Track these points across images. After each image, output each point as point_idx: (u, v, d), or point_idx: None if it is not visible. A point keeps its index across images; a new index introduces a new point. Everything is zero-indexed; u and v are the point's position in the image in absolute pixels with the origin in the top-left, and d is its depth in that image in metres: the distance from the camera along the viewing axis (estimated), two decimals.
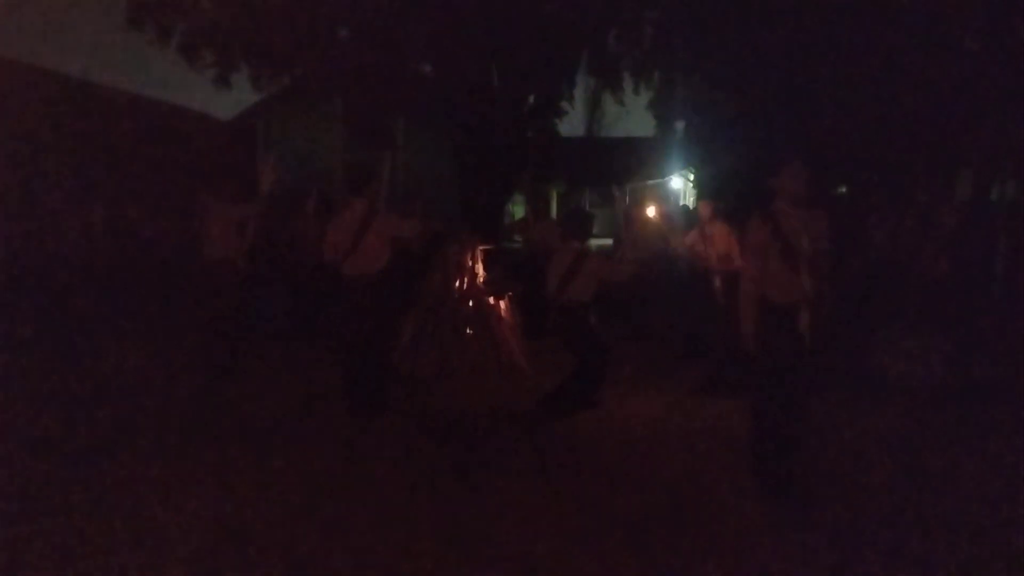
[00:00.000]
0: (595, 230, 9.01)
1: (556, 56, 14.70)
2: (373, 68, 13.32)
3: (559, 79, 15.96)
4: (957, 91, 10.12)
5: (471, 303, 9.40)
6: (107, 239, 13.82)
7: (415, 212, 8.62)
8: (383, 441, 6.65)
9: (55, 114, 12.81)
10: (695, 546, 4.69)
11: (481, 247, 9.80)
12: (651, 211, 9.47)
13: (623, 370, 8.89)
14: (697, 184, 20.55)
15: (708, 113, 15.23)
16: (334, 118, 19.22)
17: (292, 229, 10.68)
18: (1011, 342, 8.76)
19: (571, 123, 22.13)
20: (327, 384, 8.01)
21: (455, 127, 15.53)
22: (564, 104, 17.13)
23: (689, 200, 23.49)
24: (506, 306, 9.61)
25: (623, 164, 24.45)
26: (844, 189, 14.09)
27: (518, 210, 27.73)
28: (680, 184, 26.63)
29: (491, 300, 9.50)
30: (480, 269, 9.65)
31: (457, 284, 9.41)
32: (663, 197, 20.80)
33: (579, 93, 18.10)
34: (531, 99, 16.08)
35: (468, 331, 9.25)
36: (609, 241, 15.73)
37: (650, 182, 24.60)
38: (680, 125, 17.82)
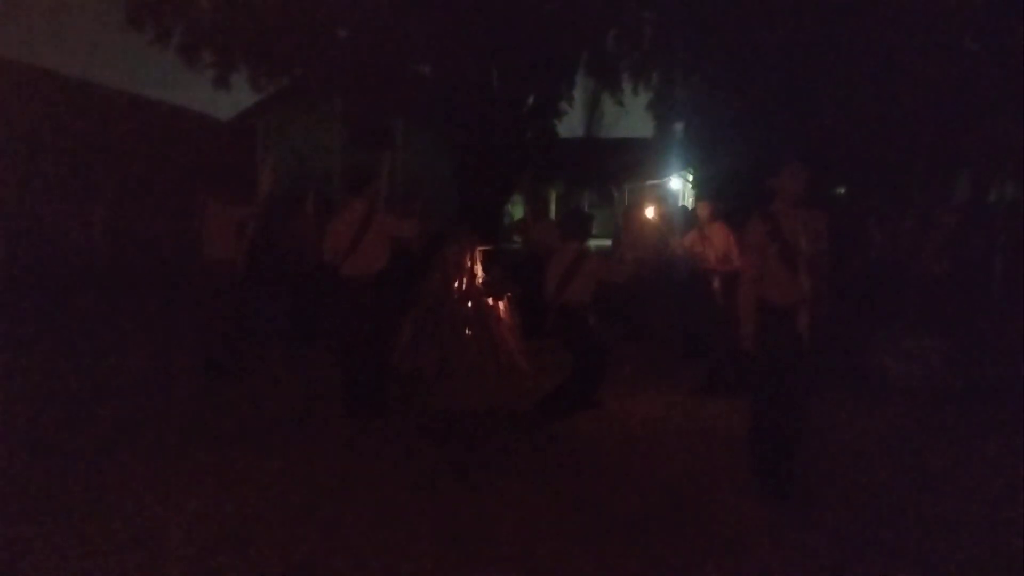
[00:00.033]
0: (594, 230, 9.01)
1: (555, 57, 14.70)
2: (372, 69, 13.32)
3: (558, 80, 15.96)
4: (956, 92, 10.14)
5: (470, 304, 9.40)
6: (107, 239, 13.83)
7: (414, 212, 8.62)
8: (383, 441, 6.64)
9: (55, 114, 12.83)
10: (695, 546, 4.69)
11: (480, 248, 9.80)
12: (650, 212, 9.47)
13: (622, 370, 8.90)
14: (696, 184, 20.58)
15: (707, 114, 15.27)
16: (333, 118, 19.23)
17: (291, 229, 10.68)
18: (1010, 342, 8.77)
19: (570, 124, 22.09)
20: (327, 384, 8.00)
21: (454, 128, 15.52)
22: (563, 105, 17.13)
23: (688, 200, 23.52)
24: (505, 306, 9.61)
25: (622, 165, 24.44)
26: (843, 189, 14.12)
27: (517, 211, 27.71)
28: (679, 185, 26.63)
29: (490, 300, 9.50)
30: (479, 270, 9.65)
31: (456, 285, 9.42)
32: (662, 198, 20.76)
33: (578, 94, 18.09)
34: (530, 100, 16.07)
35: (467, 331, 9.25)
36: (608, 242, 15.74)
37: (649, 183, 24.59)
38: (679, 126, 17.86)
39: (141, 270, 13.30)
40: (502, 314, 9.53)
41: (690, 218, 10.41)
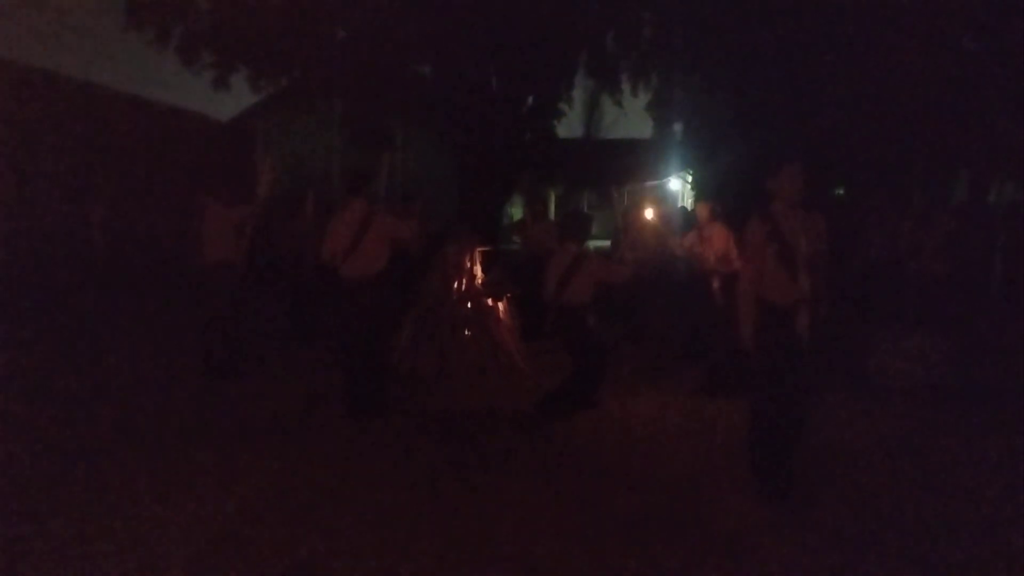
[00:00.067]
0: (593, 231, 9.01)
1: (554, 58, 14.69)
2: (372, 69, 13.33)
3: (557, 81, 15.94)
4: (956, 92, 10.15)
5: (470, 304, 9.40)
6: (106, 240, 13.83)
7: (414, 213, 8.63)
8: (383, 441, 6.64)
9: (55, 115, 12.83)
10: (695, 546, 4.69)
11: (480, 248, 9.80)
12: (649, 212, 9.49)
13: (622, 370, 8.90)
14: (695, 185, 20.58)
15: (706, 115, 15.27)
16: (333, 119, 19.23)
17: (291, 230, 10.68)
18: (1010, 342, 8.79)
19: (569, 125, 22.12)
20: (326, 385, 8.01)
21: (454, 128, 15.52)
22: (562, 106, 17.10)
23: (687, 201, 23.53)
24: (505, 307, 9.61)
25: (621, 166, 24.44)
26: (842, 190, 14.14)
27: (516, 211, 27.73)
28: (678, 185, 26.66)
29: (490, 301, 9.50)
30: (479, 270, 9.65)
31: (456, 285, 9.42)
32: (661, 198, 20.81)
33: (577, 95, 18.06)
34: (530, 101, 16.06)
35: (467, 332, 9.25)
36: (607, 242, 15.73)
37: (648, 183, 24.61)
38: (678, 127, 17.86)
39: (141, 271, 13.30)
40: (502, 315, 9.54)
41: (689, 219, 10.44)
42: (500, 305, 9.57)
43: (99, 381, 8.35)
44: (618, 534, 4.85)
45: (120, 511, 4.99)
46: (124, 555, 4.40)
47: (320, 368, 8.96)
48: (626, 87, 16.11)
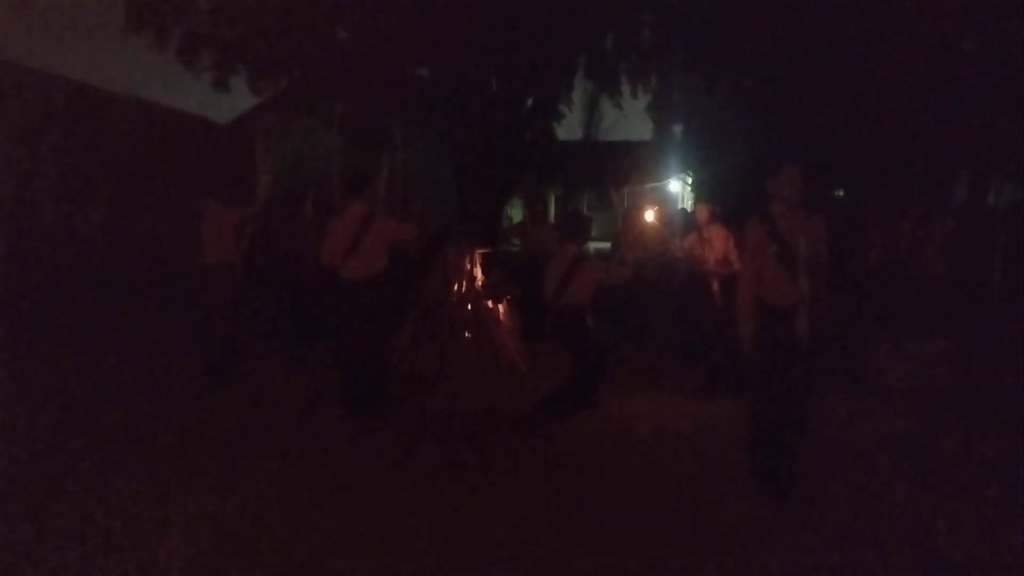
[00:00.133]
0: (593, 233, 9.01)
1: (554, 59, 14.67)
2: (371, 70, 13.32)
3: (557, 82, 15.91)
4: (955, 93, 10.15)
5: (469, 306, 9.40)
6: (106, 242, 13.83)
7: (413, 215, 8.64)
8: (383, 442, 6.64)
9: (54, 117, 12.82)
10: (695, 546, 4.69)
11: (479, 250, 9.80)
12: (649, 214, 9.48)
13: (622, 372, 8.90)
14: (695, 187, 20.58)
15: (706, 116, 15.26)
16: (332, 121, 19.22)
17: (290, 232, 10.68)
18: (1010, 342, 8.79)
19: (569, 126, 22.06)
20: (326, 386, 8.00)
21: (453, 130, 15.50)
22: (562, 107, 17.08)
23: (687, 203, 23.51)
24: (504, 309, 9.62)
25: (621, 167, 24.41)
26: (842, 191, 14.14)
27: (516, 213, 27.73)
28: (678, 187, 26.64)
29: (489, 303, 9.51)
30: (478, 272, 9.65)
31: (455, 287, 9.42)
32: (661, 200, 20.80)
33: (577, 96, 18.01)
34: (529, 102, 16.03)
35: (466, 334, 9.26)
36: (607, 244, 15.73)
37: (648, 185, 24.60)
38: (678, 128, 17.84)
39: (140, 272, 13.30)
40: (501, 316, 9.54)
41: (689, 221, 10.43)
42: (500, 306, 9.58)
43: (99, 381, 8.34)
44: (618, 534, 4.85)
45: (120, 512, 4.98)
46: (124, 556, 4.40)
47: (320, 368, 8.96)
48: (626, 88, 16.10)
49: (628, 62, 15.26)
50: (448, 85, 14.47)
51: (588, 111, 23.89)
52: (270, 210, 9.30)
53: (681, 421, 7.43)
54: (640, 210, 10.07)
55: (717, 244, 8.62)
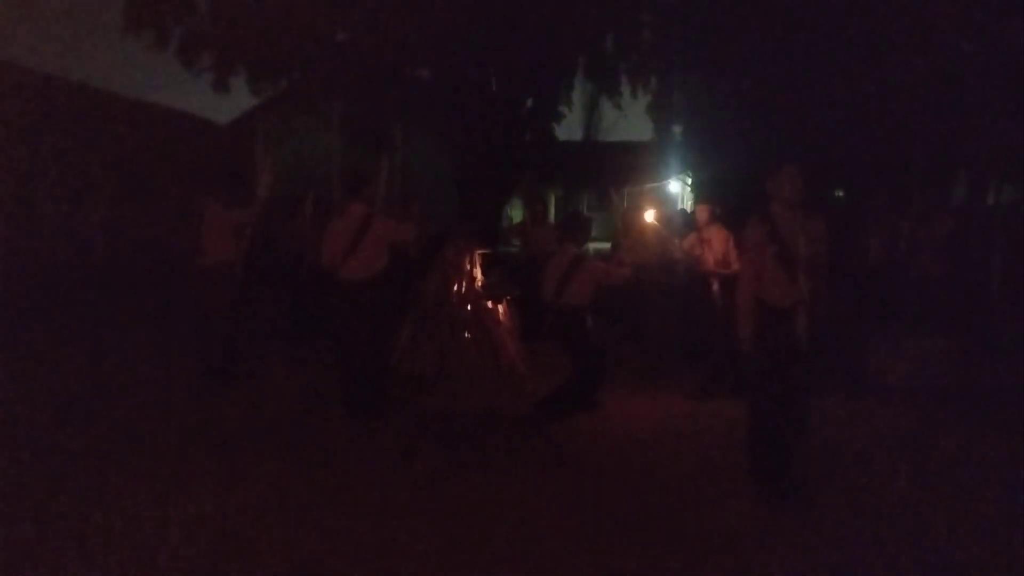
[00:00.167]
0: (593, 234, 9.02)
1: (554, 60, 14.69)
2: (371, 71, 13.32)
3: (557, 83, 15.93)
4: (954, 94, 10.15)
5: (469, 306, 9.40)
6: (106, 242, 13.84)
7: (413, 215, 8.63)
8: (382, 442, 6.64)
9: (54, 118, 12.83)
10: (695, 546, 4.69)
11: (479, 250, 9.79)
12: (649, 215, 9.48)
13: (622, 372, 8.90)
14: (695, 188, 20.57)
15: (705, 117, 15.26)
16: (332, 121, 19.23)
17: (290, 232, 10.68)
18: (1010, 342, 8.79)
19: (569, 127, 22.07)
20: (326, 386, 8.00)
21: (453, 130, 15.51)
22: (562, 108, 17.10)
23: (687, 203, 23.52)
24: (504, 309, 9.62)
25: (621, 168, 24.44)
26: (842, 192, 14.14)
27: (516, 214, 27.73)
28: (678, 188, 26.65)
29: (489, 303, 9.50)
30: (478, 272, 9.65)
31: (455, 287, 9.42)
32: (661, 201, 20.81)
33: (577, 97, 18.03)
34: (529, 103, 16.05)
35: (466, 334, 9.25)
36: (607, 245, 15.74)
37: (648, 186, 24.63)
38: (678, 129, 17.85)
39: (140, 272, 13.31)
40: (501, 316, 9.54)
41: (689, 221, 10.43)
42: (500, 307, 9.58)
43: (99, 382, 8.35)
44: (618, 534, 4.85)
45: (120, 512, 4.98)
46: (124, 556, 4.40)
47: (320, 368, 8.95)
48: (626, 89, 16.11)
49: (628, 63, 15.28)
50: (448, 85, 14.48)
51: (588, 111, 23.86)
52: (270, 210, 9.30)
53: (681, 421, 7.43)
54: (640, 210, 10.08)
55: (717, 244, 8.62)
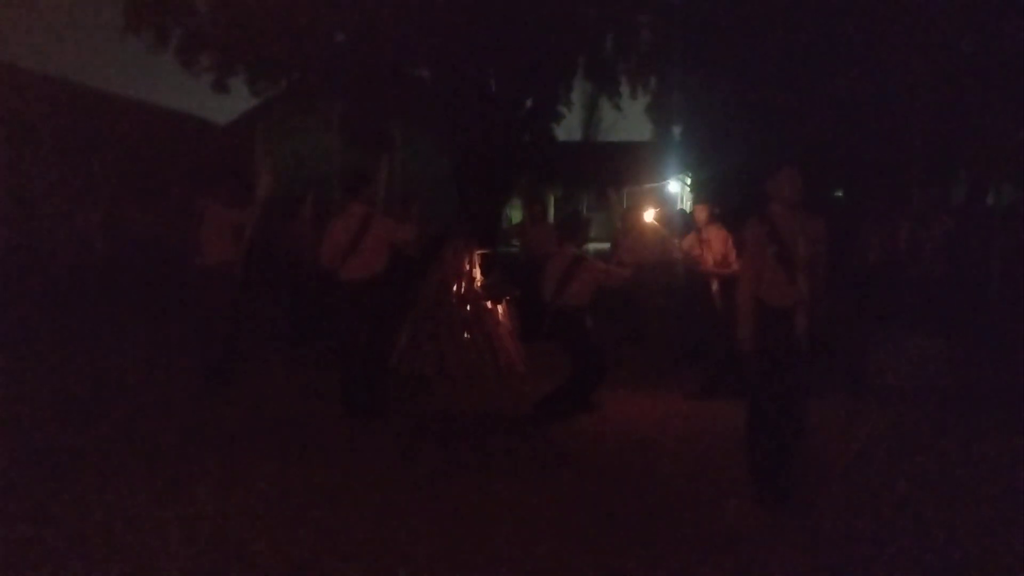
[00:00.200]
0: (592, 234, 9.02)
1: (553, 61, 14.69)
2: (370, 71, 13.33)
3: (556, 83, 15.94)
4: (954, 94, 10.16)
5: (469, 307, 9.41)
6: (105, 242, 13.83)
7: (413, 216, 8.64)
8: (382, 442, 6.64)
9: (53, 119, 12.82)
10: (695, 546, 4.69)
11: (478, 251, 9.81)
12: (648, 215, 9.48)
13: (622, 373, 8.90)
14: (694, 188, 20.60)
15: (705, 117, 15.28)
16: (331, 122, 19.21)
17: (290, 233, 10.67)
18: (1009, 342, 8.79)
19: (568, 127, 22.11)
20: (326, 386, 7.99)
21: (452, 131, 15.53)
22: (561, 108, 17.11)
23: (686, 204, 23.52)
24: (503, 310, 9.62)
25: (620, 168, 24.47)
26: (841, 192, 14.14)
27: (515, 214, 27.71)
28: (677, 188, 26.66)
29: (488, 303, 9.51)
30: (477, 273, 9.66)
31: (455, 288, 9.42)
32: (660, 201, 20.79)
33: (576, 97, 18.07)
34: (528, 103, 16.06)
35: (466, 334, 9.26)
36: (606, 245, 15.75)
37: (647, 186, 24.64)
38: (677, 129, 17.87)
39: (140, 273, 13.30)
40: (500, 317, 9.54)
41: (688, 221, 10.44)
42: (499, 307, 9.58)
43: (99, 382, 8.34)
44: (618, 534, 4.85)
45: (119, 512, 4.98)
46: (124, 556, 4.40)
47: (320, 369, 8.96)
48: (625, 89, 16.12)
49: (627, 63, 15.30)
50: (448, 86, 14.48)
51: (587, 112, 23.93)
52: (270, 211, 9.29)
53: (681, 421, 7.44)
54: (639, 211, 10.08)
55: (716, 244, 8.62)
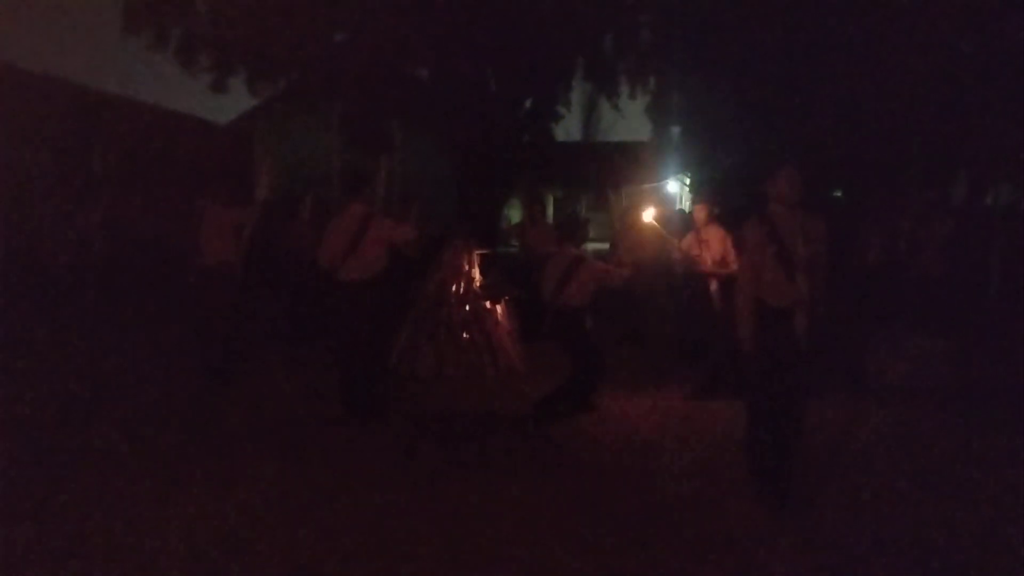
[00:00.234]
0: (591, 234, 9.03)
1: (552, 61, 14.70)
2: (370, 71, 13.33)
3: (555, 83, 15.96)
4: (953, 94, 10.15)
5: (468, 307, 9.41)
6: (105, 243, 13.81)
7: (412, 216, 8.63)
8: (382, 443, 6.64)
9: (52, 119, 12.80)
10: (695, 546, 4.69)
11: (478, 251, 9.81)
12: (647, 215, 9.48)
13: (621, 373, 8.90)
14: (693, 188, 20.59)
15: (704, 117, 15.28)
16: (331, 122, 19.22)
17: (289, 233, 10.67)
18: (1009, 342, 8.78)
19: (567, 127, 22.12)
20: (325, 387, 7.99)
21: (452, 131, 15.54)
22: (560, 108, 17.12)
23: (685, 204, 23.51)
24: (503, 310, 9.62)
25: (619, 168, 24.40)
26: (841, 192, 14.14)
27: (515, 214, 27.72)
28: (676, 188, 26.64)
29: (488, 304, 9.51)
30: (477, 273, 9.66)
31: (454, 288, 9.42)
32: (659, 201, 20.79)
33: (575, 97, 18.06)
34: (527, 103, 16.08)
35: (465, 335, 9.26)
36: (605, 245, 15.76)
37: (646, 186, 24.59)
38: (676, 129, 17.87)
39: (140, 272, 13.28)
40: (499, 317, 9.55)
41: (687, 221, 10.43)
42: (498, 307, 9.58)
43: (99, 382, 8.34)
44: (618, 534, 4.85)
45: (120, 512, 4.98)
46: (124, 556, 4.40)
47: (319, 369, 8.95)
48: (624, 89, 16.12)
49: (626, 63, 15.29)
50: (447, 86, 14.49)
51: (586, 112, 23.89)
52: (269, 211, 9.30)
53: (680, 421, 7.44)
54: (638, 211, 10.07)
55: (715, 245, 8.61)
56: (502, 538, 4.75)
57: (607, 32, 14.63)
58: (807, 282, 5.21)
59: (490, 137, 14.88)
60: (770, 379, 5.33)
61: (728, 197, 11.32)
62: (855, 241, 10.07)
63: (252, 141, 21.00)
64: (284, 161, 16.87)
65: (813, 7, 11.00)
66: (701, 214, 8.94)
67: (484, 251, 10.15)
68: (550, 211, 28.02)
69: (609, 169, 24.07)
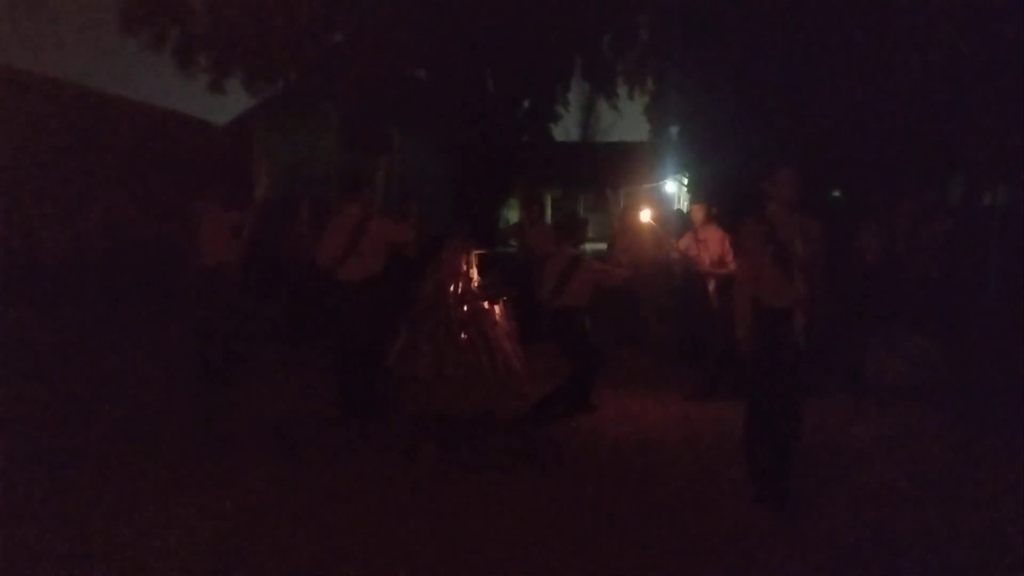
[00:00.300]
0: (589, 234, 9.03)
1: (551, 62, 14.73)
2: (368, 72, 13.33)
3: (554, 84, 15.99)
4: (952, 94, 10.15)
5: (466, 307, 9.41)
6: (103, 243, 13.82)
7: (410, 216, 8.64)
8: (381, 443, 6.64)
9: (50, 120, 12.81)
10: (695, 546, 4.69)
11: (476, 251, 9.81)
12: (645, 215, 9.48)
13: (620, 373, 8.91)
14: (691, 188, 20.58)
15: (702, 118, 15.27)
16: (329, 123, 19.23)
17: (288, 234, 10.66)
18: (1007, 342, 8.79)
19: (566, 128, 22.17)
20: (324, 387, 7.99)
21: (450, 132, 15.56)
22: (559, 109, 17.16)
23: (683, 204, 23.51)
24: (501, 310, 9.63)
25: (617, 168, 24.45)
26: (839, 192, 14.13)
27: (513, 214, 27.74)
28: (674, 188, 26.65)
29: (486, 304, 9.51)
30: (475, 273, 9.66)
31: (452, 288, 9.43)
32: (657, 201, 20.80)
33: (574, 98, 18.13)
34: (526, 104, 16.10)
35: (463, 335, 9.26)
36: (603, 245, 15.76)
37: (644, 186, 24.61)
38: (674, 130, 17.86)
39: (138, 274, 13.29)
40: (498, 317, 9.55)
41: (685, 222, 10.43)
42: (497, 307, 9.59)
43: (98, 383, 8.34)
44: (618, 534, 4.85)
45: (120, 513, 4.98)
46: (124, 556, 4.40)
47: (318, 370, 8.95)
48: (622, 90, 16.14)
49: (625, 63, 15.31)
50: (445, 87, 14.50)
51: (585, 112, 23.94)
52: (267, 212, 9.30)
53: (679, 421, 7.44)
54: (636, 211, 10.07)
55: (713, 245, 8.61)
56: (502, 538, 4.75)
57: (605, 32, 14.65)
58: (806, 282, 5.21)
59: (488, 137, 14.91)
60: (769, 379, 5.33)
61: (726, 197, 11.32)
62: (854, 241, 10.08)
63: (251, 142, 21.01)
64: (283, 162, 16.90)
65: (812, 7, 11.00)
66: (699, 214, 8.94)
67: (482, 251, 10.16)
68: (548, 211, 28.03)
69: (607, 169, 24.12)
